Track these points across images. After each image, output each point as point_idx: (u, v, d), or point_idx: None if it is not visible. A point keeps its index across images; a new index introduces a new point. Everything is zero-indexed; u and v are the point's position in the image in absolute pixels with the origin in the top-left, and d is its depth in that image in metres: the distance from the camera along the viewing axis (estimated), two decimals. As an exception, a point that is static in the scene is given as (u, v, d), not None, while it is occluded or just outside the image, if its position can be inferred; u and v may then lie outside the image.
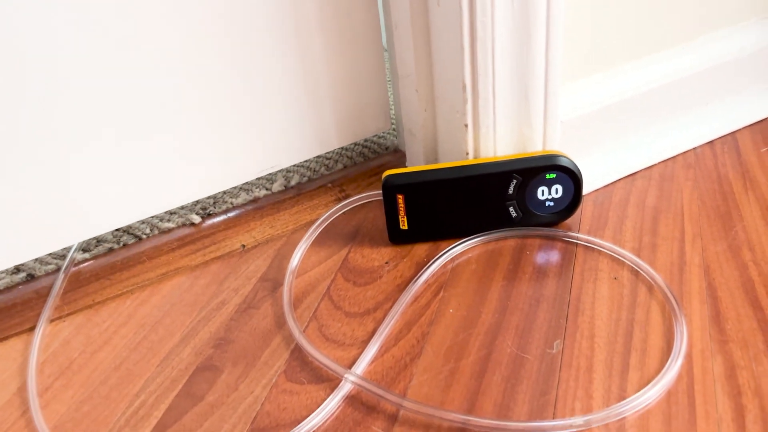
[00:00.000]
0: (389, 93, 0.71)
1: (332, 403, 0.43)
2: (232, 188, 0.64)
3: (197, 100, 0.56)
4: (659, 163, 0.65)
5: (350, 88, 0.63)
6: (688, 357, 0.44)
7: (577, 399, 0.42)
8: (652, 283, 0.50)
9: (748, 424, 0.39)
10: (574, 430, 0.40)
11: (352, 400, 0.44)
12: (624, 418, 0.41)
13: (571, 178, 0.55)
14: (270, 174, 0.66)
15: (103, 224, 0.56)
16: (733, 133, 0.69)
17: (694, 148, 0.67)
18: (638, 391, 0.42)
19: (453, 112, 0.56)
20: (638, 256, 0.53)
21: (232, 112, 0.58)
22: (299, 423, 0.42)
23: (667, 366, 0.43)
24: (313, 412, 0.43)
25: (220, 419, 0.44)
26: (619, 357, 0.45)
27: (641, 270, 0.52)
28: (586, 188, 0.61)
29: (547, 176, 0.55)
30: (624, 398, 0.42)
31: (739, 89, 0.69)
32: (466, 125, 0.55)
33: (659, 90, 0.63)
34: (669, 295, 0.48)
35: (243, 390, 0.46)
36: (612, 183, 0.63)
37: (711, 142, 0.68)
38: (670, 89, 0.64)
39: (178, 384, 0.47)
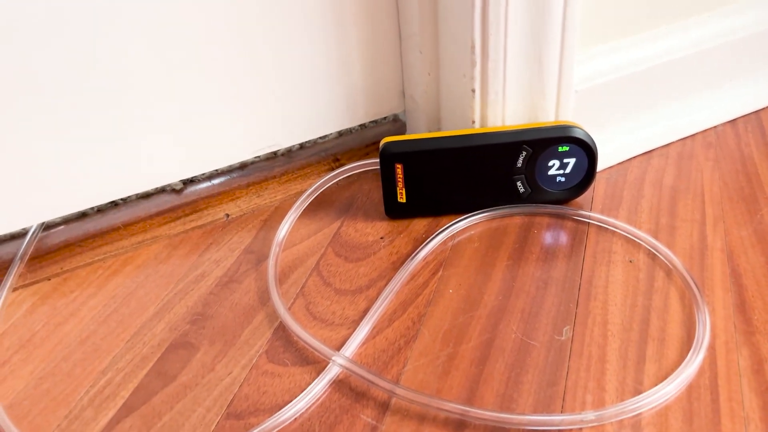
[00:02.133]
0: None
1: (317, 388, 0.39)
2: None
3: (191, 75, 0.51)
4: (677, 141, 0.61)
5: (363, 66, 0.57)
6: (711, 349, 0.40)
7: (588, 392, 0.38)
8: (671, 267, 0.46)
9: (778, 425, 0.35)
10: (585, 426, 0.36)
11: (339, 385, 0.40)
12: (640, 414, 0.37)
13: (586, 151, 0.51)
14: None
15: (85, 201, 0.52)
16: (757, 112, 0.65)
17: (715, 127, 0.63)
18: (656, 384, 0.38)
19: (459, 76, 0.51)
20: (655, 238, 0.48)
21: (231, 88, 0.53)
22: (280, 408, 0.38)
23: (688, 358, 0.39)
24: (296, 396, 0.39)
25: (193, 401, 0.39)
26: (635, 346, 0.41)
27: (659, 253, 0.47)
28: (599, 165, 0.56)
29: (560, 149, 0.50)
30: (640, 392, 0.38)
31: (764, 66, 0.64)
32: (474, 90, 0.51)
33: (679, 62, 0.58)
34: (689, 280, 0.44)
35: (220, 370, 0.41)
36: (627, 160, 0.59)
37: (733, 121, 0.64)
38: (691, 62, 0.59)
39: (149, 362, 0.42)
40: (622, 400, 0.37)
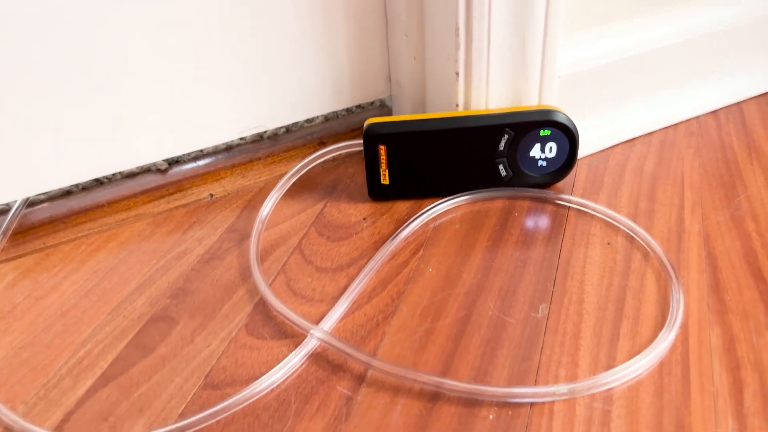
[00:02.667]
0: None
1: (294, 360, 0.39)
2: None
3: (179, 56, 0.51)
4: (660, 130, 0.62)
5: (349, 49, 0.58)
6: (684, 327, 0.41)
7: (561, 366, 0.39)
8: (648, 249, 0.47)
9: (746, 399, 0.36)
10: (558, 398, 0.37)
11: (317, 358, 0.40)
12: (612, 388, 0.37)
13: (567, 135, 0.51)
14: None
15: (69, 177, 0.52)
16: (739, 103, 0.66)
17: (697, 117, 0.63)
18: (628, 360, 0.38)
19: (444, 59, 0.52)
20: (634, 221, 0.49)
21: (217, 68, 0.53)
22: (257, 379, 0.38)
23: (660, 335, 0.40)
24: (273, 368, 0.39)
25: (172, 372, 0.40)
26: (610, 324, 0.41)
27: (637, 236, 0.48)
28: (581, 151, 0.57)
29: (542, 132, 0.51)
30: (612, 367, 0.38)
31: (747, 58, 0.65)
32: (458, 73, 0.51)
33: (664, 51, 0.59)
34: (666, 262, 0.45)
35: (199, 343, 0.42)
36: (609, 148, 0.59)
37: (715, 112, 0.64)
38: (676, 52, 0.60)
39: (129, 334, 0.43)
40: (595, 375, 0.38)
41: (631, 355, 0.39)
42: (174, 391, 0.38)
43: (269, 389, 0.38)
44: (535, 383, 0.38)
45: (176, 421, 0.36)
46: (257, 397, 0.38)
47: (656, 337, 0.40)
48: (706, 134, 0.61)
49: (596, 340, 0.40)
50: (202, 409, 0.37)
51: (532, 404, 0.36)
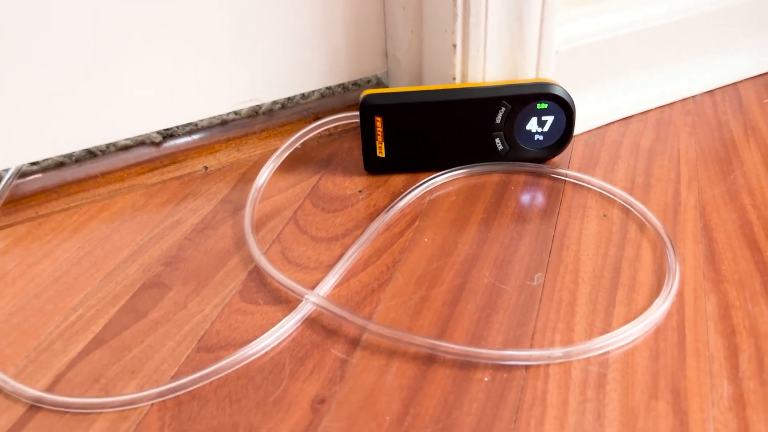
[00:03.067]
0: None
1: (289, 324, 0.39)
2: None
3: (173, 26, 0.51)
4: (656, 108, 0.61)
5: (346, 23, 0.58)
6: (680, 295, 0.41)
7: (557, 332, 0.38)
8: (644, 221, 0.47)
9: (742, 363, 0.36)
10: (552, 361, 0.36)
11: (311, 322, 0.40)
12: (607, 352, 0.37)
13: (564, 109, 0.51)
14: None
15: (62, 146, 0.51)
16: (735, 84, 0.66)
17: (693, 96, 0.63)
18: (624, 325, 0.38)
19: (441, 31, 0.52)
20: (630, 195, 0.49)
21: (211, 39, 0.53)
22: (251, 342, 0.38)
23: (656, 302, 0.40)
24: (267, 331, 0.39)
25: (164, 336, 0.39)
26: (605, 292, 0.41)
27: (633, 208, 0.48)
28: (578, 128, 0.57)
29: (538, 106, 0.51)
30: (608, 332, 0.38)
31: (745, 38, 0.65)
32: (455, 45, 0.51)
33: (662, 29, 0.59)
34: (662, 232, 0.45)
35: (192, 308, 0.41)
36: (605, 125, 0.59)
37: (711, 92, 0.64)
38: (674, 29, 0.59)
39: (121, 299, 0.42)
40: (591, 339, 0.37)
41: (627, 321, 0.39)
42: (166, 354, 0.38)
43: (263, 351, 0.38)
44: (531, 347, 0.37)
45: (169, 382, 0.36)
46: (251, 359, 0.37)
47: (652, 303, 0.40)
48: (702, 113, 0.61)
49: (592, 307, 0.40)
50: (195, 370, 0.36)
51: (527, 367, 0.36)
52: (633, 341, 0.38)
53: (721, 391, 0.35)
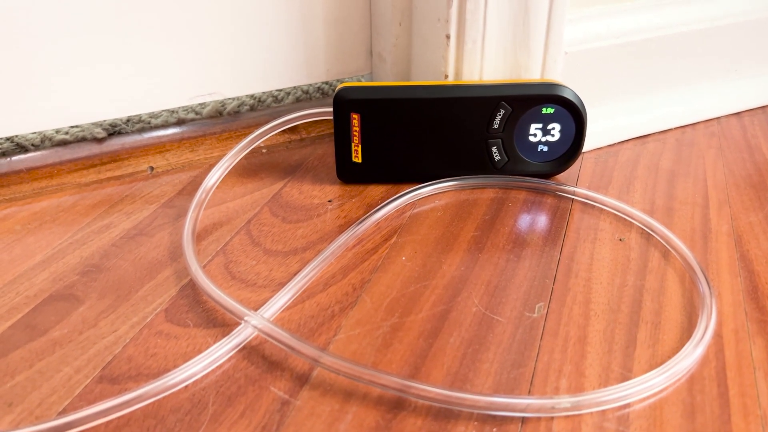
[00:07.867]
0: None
1: (220, 352, 0.30)
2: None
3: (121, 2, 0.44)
4: (675, 128, 0.54)
5: (326, 14, 0.50)
6: (718, 337, 0.32)
7: (563, 376, 0.30)
8: (668, 248, 0.39)
9: (806, 427, 0.27)
10: (558, 413, 0.28)
11: (250, 351, 0.31)
12: (628, 404, 0.28)
13: (574, 116, 0.43)
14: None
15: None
16: (764, 107, 0.58)
17: (718, 118, 0.56)
18: (648, 371, 0.30)
19: (434, 20, 0.45)
20: (651, 218, 0.41)
21: (170, 23, 0.46)
22: (168, 372, 0.29)
23: (689, 344, 0.31)
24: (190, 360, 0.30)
25: (61, 360, 0.31)
26: (624, 329, 0.33)
27: (654, 232, 0.40)
28: (587, 145, 0.49)
29: (544, 110, 0.43)
30: (628, 379, 0.29)
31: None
32: (448, 36, 0.44)
33: (684, 37, 0.52)
34: (692, 261, 0.37)
35: (103, 327, 0.33)
36: (618, 143, 0.52)
37: (738, 114, 0.57)
38: (696, 39, 0.53)
39: (18, 313, 0.34)
40: (606, 387, 0.29)
41: (652, 366, 0.30)
42: (59, 383, 0.29)
43: (183, 386, 0.29)
44: (529, 394, 0.29)
45: (53, 419, 0.27)
46: (166, 393, 0.29)
47: (683, 346, 0.31)
48: (729, 135, 0.53)
49: (607, 347, 0.32)
50: (90, 405, 0.27)
51: (523, 419, 0.28)
52: (661, 391, 0.29)
53: (781, 463, 0.26)
